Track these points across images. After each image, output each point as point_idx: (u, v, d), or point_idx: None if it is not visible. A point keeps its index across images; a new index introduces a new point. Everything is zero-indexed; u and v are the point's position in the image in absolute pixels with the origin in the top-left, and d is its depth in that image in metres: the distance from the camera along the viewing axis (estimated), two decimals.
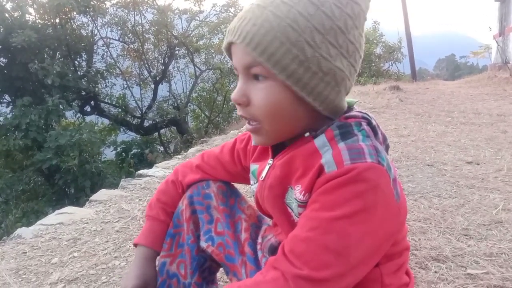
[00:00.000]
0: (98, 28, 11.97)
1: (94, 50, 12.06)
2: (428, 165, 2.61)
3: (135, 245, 1.02)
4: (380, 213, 0.64)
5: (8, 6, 9.68)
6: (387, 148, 0.76)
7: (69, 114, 10.80)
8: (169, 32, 12.49)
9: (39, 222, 2.06)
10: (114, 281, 1.40)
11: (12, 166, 9.82)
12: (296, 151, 0.74)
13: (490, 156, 2.86)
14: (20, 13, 9.72)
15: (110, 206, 2.18)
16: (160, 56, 13.22)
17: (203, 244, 0.96)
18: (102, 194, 2.40)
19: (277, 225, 0.88)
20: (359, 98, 5.50)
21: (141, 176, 2.79)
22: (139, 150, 11.39)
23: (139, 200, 2.24)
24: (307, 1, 0.66)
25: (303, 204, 0.71)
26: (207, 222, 0.97)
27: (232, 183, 1.05)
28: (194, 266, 0.98)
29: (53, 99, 9.02)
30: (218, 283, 1.12)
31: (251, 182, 0.91)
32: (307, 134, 0.73)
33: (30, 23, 10.00)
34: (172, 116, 12.01)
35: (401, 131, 3.71)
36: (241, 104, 0.73)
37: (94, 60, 12.08)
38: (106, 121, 12.94)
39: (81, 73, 11.24)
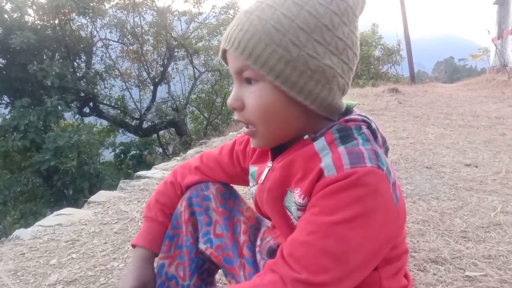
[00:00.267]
0: (97, 29, 11.97)
1: (93, 52, 12.05)
2: (427, 168, 2.61)
3: (133, 246, 1.02)
4: (379, 218, 0.64)
5: (7, 7, 9.67)
6: (386, 150, 0.76)
7: (68, 115, 10.79)
8: (168, 34, 12.49)
9: (37, 223, 2.06)
10: (112, 283, 1.40)
11: (10, 167, 9.80)
12: (296, 154, 0.74)
13: (488, 158, 2.86)
14: (19, 14, 9.72)
15: (108, 207, 2.17)
16: (159, 58, 13.21)
17: (202, 246, 0.96)
18: (101, 195, 2.40)
19: (276, 228, 0.88)
20: (358, 100, 5.50)
21: (139, 177, 2.79)
22: (137, 151, 11.37)
23: (138, 201, 2.24)
24: (291, 2, 0.67)
25: (302, 208, 0.71)
26: (206, 224, 0.97)
27: (231, 185, 1.05)
28: (193, 268, 0.98)
29: (52, 100, 9.00)
30: (217, 285, 1.12)
31: (250, 184, 0.91)
32: (306, 137, 0.73)
33: (29, 24, 10.00)
34: (171, 117, 12.00)
35: (400, 134, 3.72)
36: (237, 108, 0.74)
37: (93, 61, 12.07)
38: (105, 123, 12.92)
39: (80, 75, 11.23)
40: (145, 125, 12.77)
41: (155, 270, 1.00)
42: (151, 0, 12.31)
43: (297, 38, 0.66)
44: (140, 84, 13.19)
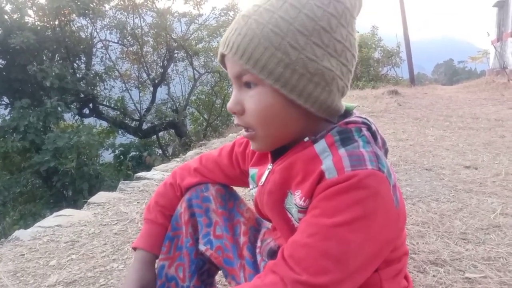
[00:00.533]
0: (97, 30, 11.95)
1: (93, 53, 12.03)
2: (426, 169, 2.62)
3: (134, 248, 1.02)
4: (380, 220, 0.65)
5: (8, 8, 9.66)
6: (386, 152, 0.76)
7: (67, 116, 10.76)
8: (168, 35, 12.49)
9: (37, 224, 2.06)
10: (112, 284, 1.40)
11: (10, 168, 9.78)
12: (296, 156, 0.74)
13: (488, 160, 2.87)
14: (19, 15, 9.71)
15: (108, 208, 2.18)
16: (159, 59, 13.20)
17: (202, 247, 0.96)
18: (101, 196, 2.40)
19: (276, 229, 0.88)
20: (358, 102, 5.51)
21: (139, 178, 2.79)
22: (137, 152, 11.36)
23: (138, 202, 2.24)
24: (289, 6, 0.67)
25: (303, 210, 0.71)
26: (206, 225, 0.97)
27: (231, 186, 1.05)
28: (193, 269, 0.98)
29: (51, 101, 8.99)
30: (217, 286, 1.12)
31: (250, 186, 0.91)
32: (306, 139, 0.73)
33: (29, 25, 9.98)
34: (171, 119, 11.99)
35: (400, 135, 3.72)
36: (236, 113, 0.74)
37: (93, 62, 12.05)
38: (105, 124, 12.91)
39: (80, 76, 11.22)
40: (144, 126, 12.76)
41: (156, 271, 1.00)
42: (151, 2, 12.32)
43: (295, 41, 0.66)
44: (140, 86, 13.18)
